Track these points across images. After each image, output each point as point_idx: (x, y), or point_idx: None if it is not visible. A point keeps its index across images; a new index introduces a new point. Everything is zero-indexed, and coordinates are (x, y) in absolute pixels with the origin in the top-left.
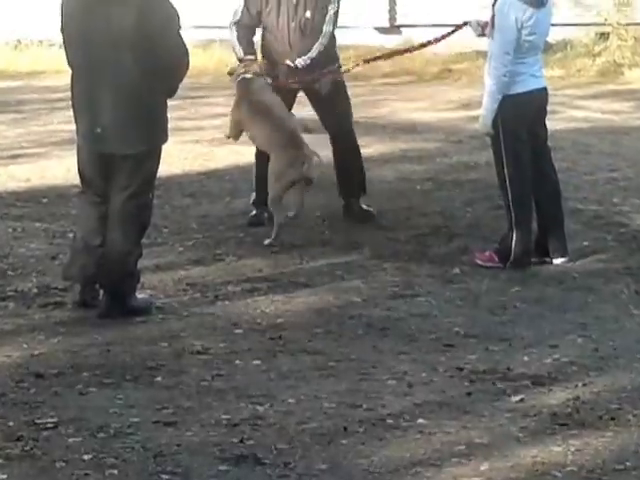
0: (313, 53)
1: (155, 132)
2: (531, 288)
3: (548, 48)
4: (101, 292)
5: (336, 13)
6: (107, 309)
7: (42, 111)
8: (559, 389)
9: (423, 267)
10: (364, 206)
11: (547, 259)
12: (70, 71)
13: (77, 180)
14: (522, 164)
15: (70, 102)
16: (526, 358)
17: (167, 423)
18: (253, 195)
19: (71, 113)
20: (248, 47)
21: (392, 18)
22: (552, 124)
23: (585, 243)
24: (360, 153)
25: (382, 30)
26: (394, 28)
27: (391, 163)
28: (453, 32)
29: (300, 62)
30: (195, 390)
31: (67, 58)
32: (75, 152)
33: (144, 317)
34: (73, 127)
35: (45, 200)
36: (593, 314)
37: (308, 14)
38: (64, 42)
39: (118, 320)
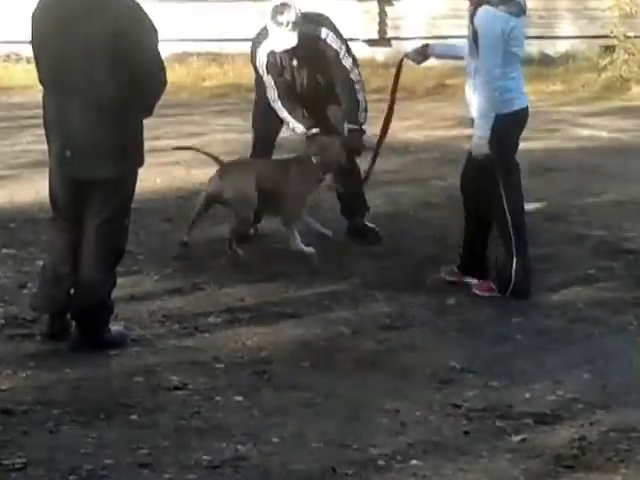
0: (364, 105)
1: (130, 155)
2: (533, 319)
3: (550, 62)
4: (72, 323)
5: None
6: (78, 342)
7: (10, 130)
8: (564, 428)
9: (416, 297)
10: (370, 225)
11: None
12: (41, 88)
13: (48, 205)
14: (518, 187)
15: (42, 121)
16: (528, 395)
17: (143, 464)
18: None
19: (41, 132)
20: (304, 119)
21: (382, 30)
22: (554, 143)
23: (590, 271)
24: (360, 170)
25: (372, 42)
26: (384, 40)
27: (382, 186)
28: (398, 74)
29: (362, 119)
30: (173, 429)
31: (38, 74)
32: (45, 174)
33: (118, 350)
34: (43, 147)
35: (13, 225)
36: (599, 347)
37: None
38: (35, 57)
39: (90, 353)
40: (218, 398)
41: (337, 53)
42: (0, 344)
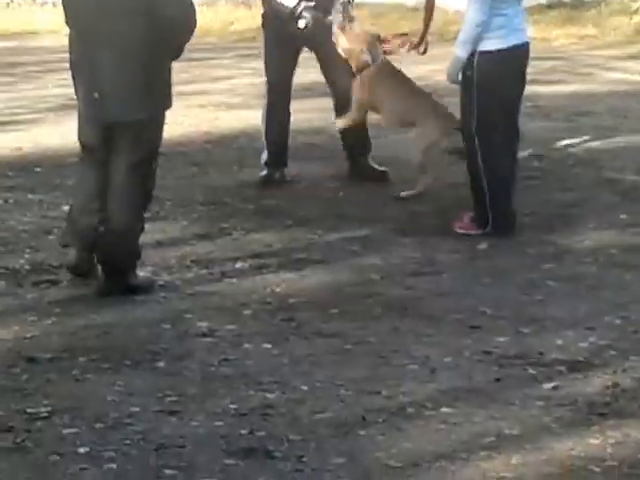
0: None
1: (159, 97)
2: (564, 265)
3: (580, 5)
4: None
5: None
6: (105, 286)
7: (36, 74)
8: (596, 375)
9: (447, 242)
10: (375, 165)
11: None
12: (67, 30)
13: (74, 149)
14: (493, 127)
15: (68, 64)
16: (560, 341)
17: (170, 412)
18: (264, 155)
19: (67, 75)
20: None
21: None
22: (586, 87)
23: (623, 216)
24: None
25: None
26: None
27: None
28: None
29: None
30: (200, 376)
31: (65, 17)
32: (71, 117)
33: (145, 296)
34: (69, 91)
35: (38, 170)
36: (632, 293)
37: None
38: (62, 3)
39: (117, 299)
40: (246, 345)
41: None
42: (25, 291)
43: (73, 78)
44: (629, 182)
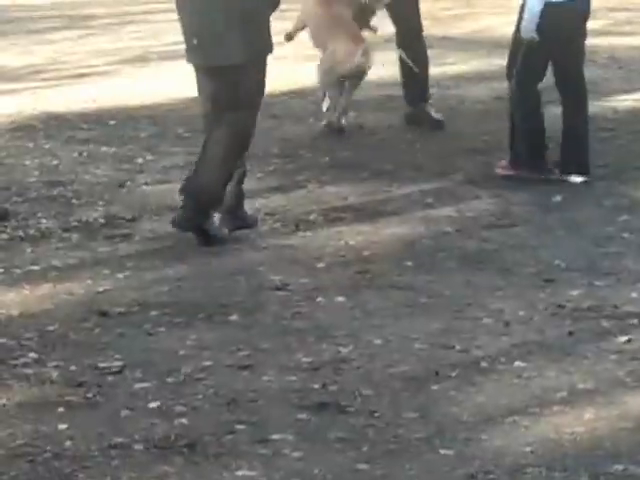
0: None
1: (258, 41)
2: None
3: None
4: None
5: None
6: (181, 220)
7: (112, 26)
8: None
9: (521, 194)
10: (433, 113)
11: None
12: None
13: (147, 101)
14: (534, 73)
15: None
16: (635, 294)
17: (242, 367)
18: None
19: (142, 28)
20: None
21: None
22: None
23: None
24: (428, 58)
25: None
26: None
27: (488, 81)
28: None
29: None
30: (273, 330)
31: None
32: (146, 71)
33: (219, 248)
34: (145, 43)
35: (113, 122)
36: None
37: None
38: None
39: (190, 252)
40: (319, 298)
41: None
42: (98, 244)
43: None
44: None
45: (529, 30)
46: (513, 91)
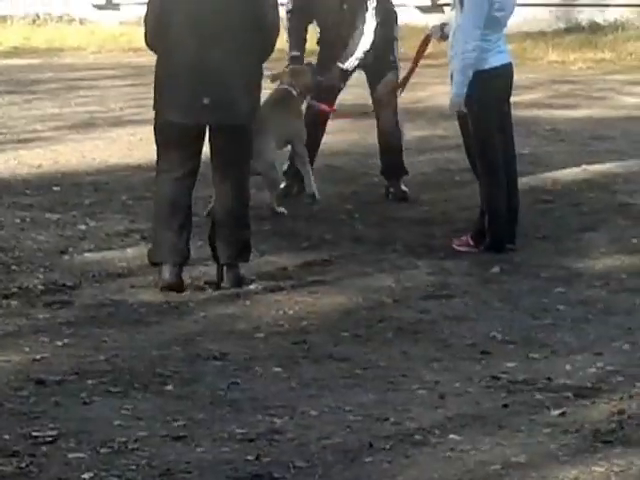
0: (359, 54)
1: (257, 100)
2: (575, 289)
3: (598, 30)
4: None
5: (375, 7)
6: (231, 281)
7: (59, 91)
8: (603, 402)
9: (460, 265)
10: (403, 187)
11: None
12: (156, 41)
13: (92, 167)
14: (492, 143)
15: (152, 81)
16: (569, 367)
17: (176, 437)
18: (285, 165)
19: (89, 93)
20: (297, 42)
21: None
22: (601, 111)
23: (634, 240)
24: (402, 134)
25: (424, 9)
26: (437, 7)
27: (429, 152)
28: (423, 49)
29: (348, 65)
30: (209, 400)
31: (156, 27)
32: (92, 136)
33: (158, 318)
34: (91, 109)
35: (57, 188)
36: None
37: (345, 6)
38: (160, 9)
39: (128, 321)
40: (256, 369)
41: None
42: (38, 311)
43: (158, 91)
44: None
45: (456, 103)
46: (480, 173)
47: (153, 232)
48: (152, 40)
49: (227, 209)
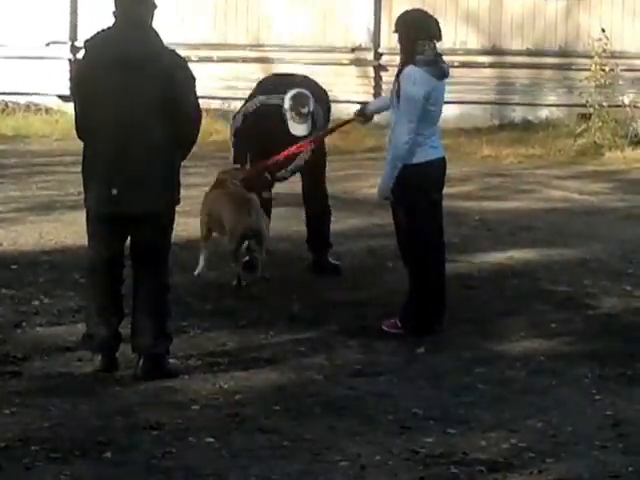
0: (294, 167)
1: (173, 192)
2: (496, 369)
3: (530, 127)
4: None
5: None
6: (143, 371)
7: (21, 175)
8: (514, 476)
9: (389, 345)
10: (332, 260)
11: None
12: (81, 134)
13: (48, 247)
14: (423, 233)
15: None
16: (484, 442)
17: None
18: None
19: (51, 178)
20: (241, 159)
21: (377, 94)
22: (528, 203)
23: (553, 325)
24: (330, 213)
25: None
26: None
27: (364, 238)
28: (344, 124)
29: (280, 175)
30: (143, 468)
31: (81, 120)
32: (50, 218)
33: (101, 390)
34: (51, 192)
35: (15, 266)
36: (555, 398)
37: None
38: (81, 104)
39: (73, 392)
40: (190, 439)
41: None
42: None
43: (85, 179)
44: (561, 293)
45: (383, 191)
46: (410, 258)
47: (86, 316)
48: (78, 133)
49: (142, 297)
